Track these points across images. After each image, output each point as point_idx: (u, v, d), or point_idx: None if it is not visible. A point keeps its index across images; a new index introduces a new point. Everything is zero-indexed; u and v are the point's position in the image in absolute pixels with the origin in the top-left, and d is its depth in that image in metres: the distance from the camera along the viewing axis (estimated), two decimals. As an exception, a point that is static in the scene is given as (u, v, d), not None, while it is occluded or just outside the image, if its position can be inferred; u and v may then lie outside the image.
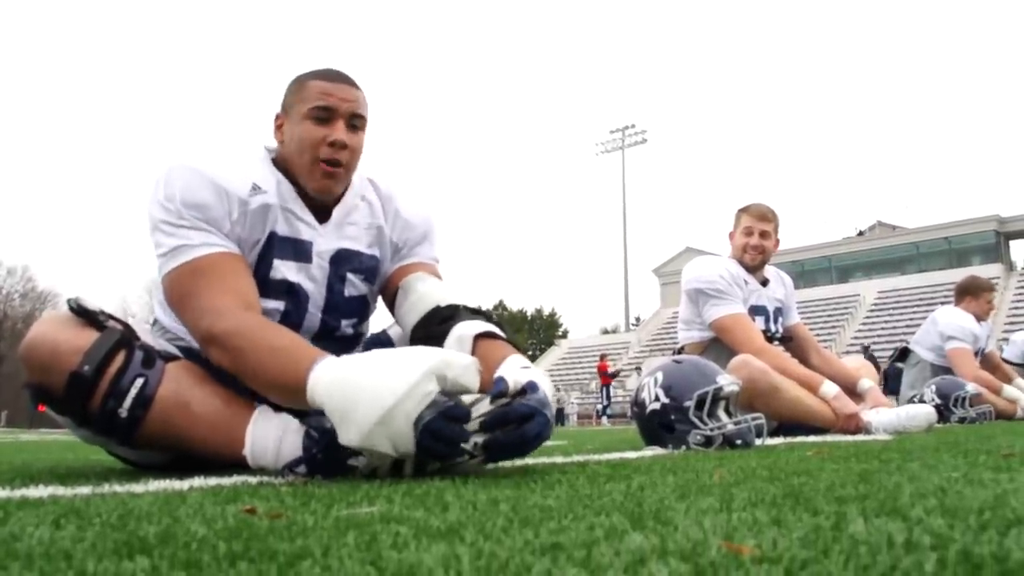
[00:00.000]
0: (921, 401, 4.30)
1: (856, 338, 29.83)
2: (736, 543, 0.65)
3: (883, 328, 30.94)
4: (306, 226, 1.77)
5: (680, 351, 3.50)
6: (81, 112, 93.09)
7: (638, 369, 25.56)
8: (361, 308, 1.91)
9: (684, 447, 2.29)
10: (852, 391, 3.35)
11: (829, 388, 3.15)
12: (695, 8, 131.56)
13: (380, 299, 1.98)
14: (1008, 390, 4.88)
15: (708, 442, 2.26)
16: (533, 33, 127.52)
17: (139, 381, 1.50)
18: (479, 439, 1.35)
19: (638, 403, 2.49)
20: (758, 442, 2.41)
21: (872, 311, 34.00)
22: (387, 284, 1.92)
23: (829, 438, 2.86)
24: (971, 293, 5.14)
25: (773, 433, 3.02)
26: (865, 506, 0.87)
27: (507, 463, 1.81)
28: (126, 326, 1.62)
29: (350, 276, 1.83)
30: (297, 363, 1.39)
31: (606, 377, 21.77)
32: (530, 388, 1.40)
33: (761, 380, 2.93)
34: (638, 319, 50.20)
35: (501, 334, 1.70)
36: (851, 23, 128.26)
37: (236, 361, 1.48)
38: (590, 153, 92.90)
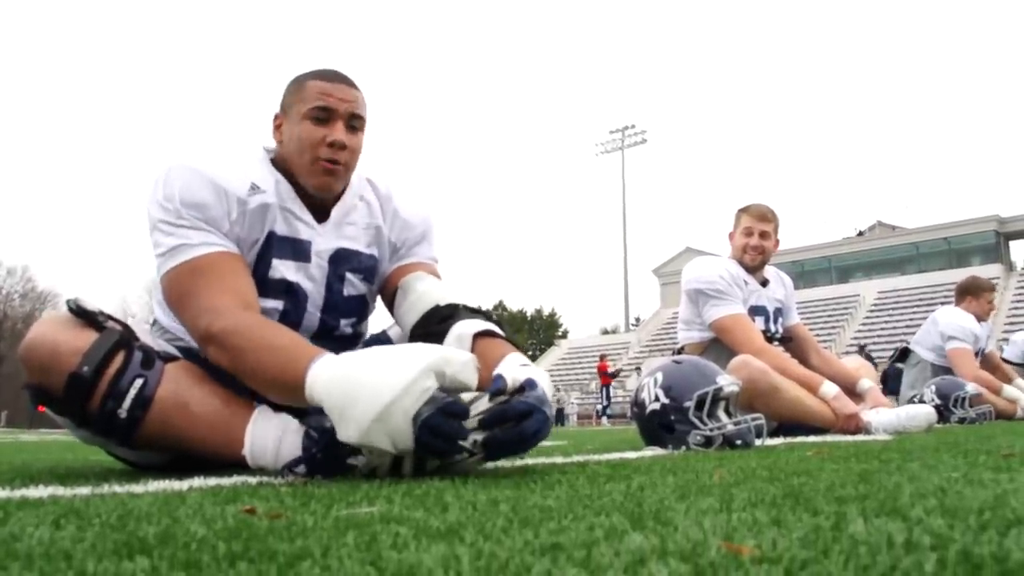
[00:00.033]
0: (921, 401, 4.30)
1: (856, 338, 29.82)
2: (736, 543, 0.65)
3: (883, 328, 30.94)
4: (305, 226, 1.77)
5: (680, 351, 3.50)
6: (81, 112, 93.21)
7: (638, 369, 25.57)
8: (360, 308, 1.91)
9: (684, 447, 2.29)
10: (852, 391, 3.35)
11: (829, 388, 3.15)
12: (695, 8, 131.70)
13: (379, 299, 1.98)
14: (1008, 390, 4.89)
15: (708, 442, 2.26)
16: (533, 33, 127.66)
17: (138, 382, 1.50)
18: (478, 437, 1.35)
19: (638, 403, 2.49)
20: (758, 442, 2.41)
21: (872, 311, 34.00)
22: (386, 284, 1.92)
23: (829, 438, 2.86)
24: (972, 293, 5.15)
25: (773, 433, 3.02)
26: (865, 506, 0.87)
27: (507, 463, 1.82)
28: (125, 327, 1.62)
29: (349, 276, 1.84)
30: (296, 361, 1.39)
31: (606, 377, 21.77)
32: (528, 385, 1.40)
33: (761, 380, 2.93)
34: (638, 319, 50.24)
35: (500, 333, 1.70)
36: (851, 23, 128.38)
37: (235, 360, 1.48)
38: (590, 153, 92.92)
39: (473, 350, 1.62)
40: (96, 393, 1.48)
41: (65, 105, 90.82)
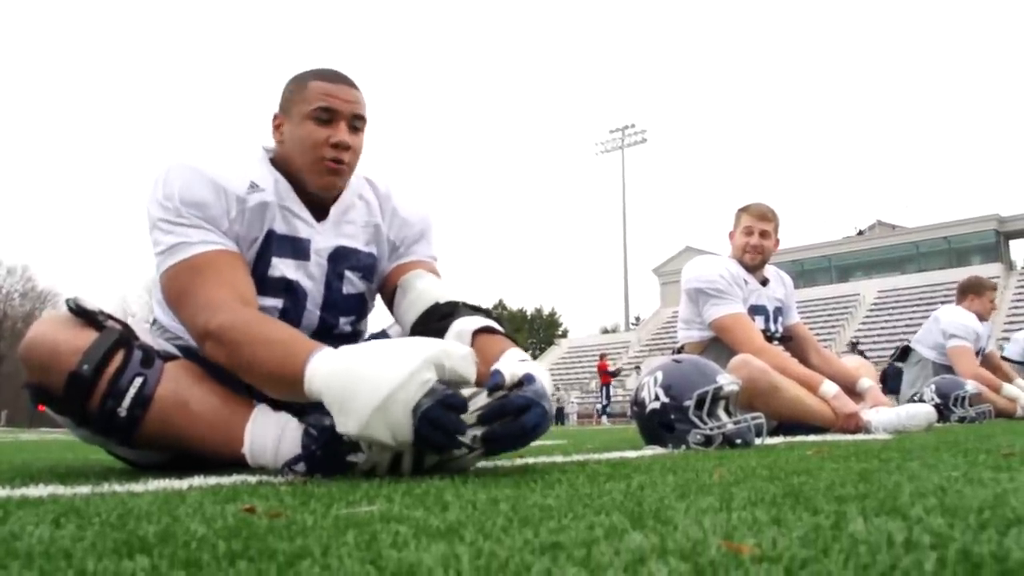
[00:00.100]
0: (921, 400, 4.30)
1: (856, 338, 29.83)
2: (736, 542, 0.65)
3: (883, 328, 30.95)
4: (304, 224, 1.77)
5: (680, 350, 3.50)
6: (81, 112, 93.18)
7: (638, 368, 25.57)
8: (359, 306, 1.91)
9: (684, 446, 2.29)
10: (852, 390, 3.35)
11: (829, 387, 3.15)
12: (695, 8, 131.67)
13: (379, 298, 1.98)
14: (1008, 388, 4.89)
15: (708, 441, 2.26)
16: (533, 33, 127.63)
17: (138, 380, 1.50)
18: (477, 432, 1.35)
19: (638, 402, 2.49)
20: (758, 441, 2.41)
21: (872, 311, 34.00)
22: (385, 282, 1.92)
23: (829, 437, 2.86)
24: (974, 292, 5.16)
25: (773, 432, 3.02)
26: (865, 505, 0.87)
27: (507, 462, 1.82)
28: (125, 326, 1.62)
29: (348, 274, 1.84)
30: (295, 355, 1.39)
31: (606, 376, 21.78)
32: (527, 380, 1.40)
33: (761, 379, 2.93)
34: (638, 319, 50.25)
35: (500, 329, 1.71)
36: (851, 23, 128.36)
37: (232, 355, 1.48)
38: (590, 153, 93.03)
39: (473, 346, 1.62)
40: (96, 392, 1.49)
41: (65, 105, 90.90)
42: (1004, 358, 5.84)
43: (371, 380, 1.27)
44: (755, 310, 3.50)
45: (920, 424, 3.10)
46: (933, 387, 4.32)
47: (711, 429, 2.27)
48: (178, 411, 1.52)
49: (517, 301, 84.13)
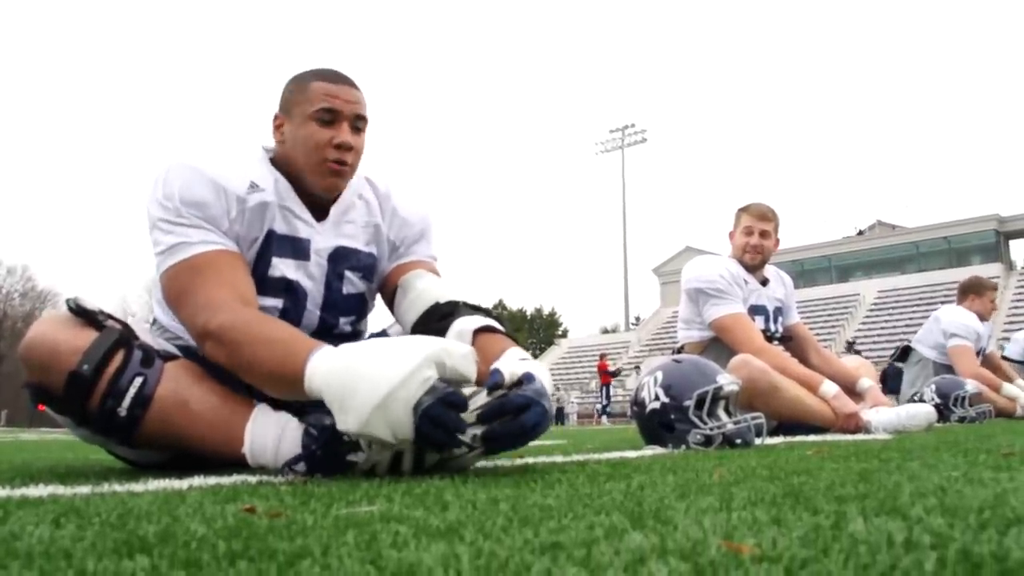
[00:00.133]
0: (921, 400, 4.30)
1: (854, 338, 29.83)
2: (736, 542, 0.65)
3: (883, 328, 30.94)
4: (304, 224, 1.77)
5: (680, 350, 3.50)
6: (81, 112, 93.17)
7: (638, 368, 25.56)
8: (359, 306, 1.91)
9: (684, 446, 2.29)
10: (852, 390, 3.35)
11: (829, 387, 3.15)
12: (695, 8, 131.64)
13: (379, 298, 1.98)
14: (1008, 388, 4.90)
15: (708, 441, 2.26)
16: (533, 33, 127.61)
17: (138, 380, 1.50)
18: (476, 431, 1.34)
19: (638, 402, 2.49)
20: (758, 441, 2.41)
21: (872, 311, 34.00)
22: (386, 282, 1.92)
23: (829, 437, 2.86)
24: (975, 292, 5.16)
25: (773, 432, 3.02)
26: (865, 505, 0.87)
27: (507, 462, 1.82)
28: (125, 326, 1.62)
29: (348, 274, 1.84)
30: (295, 354, 1.39)
31: (606, 376, 21.78)
32: (527, 379, 1.40)
33: (761, 379, 2.93)
34: (638, 318, 50.25)
35: (501, 328, 1.71)
36: (851, 23, 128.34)
37: (232, 355, 1.48)
38: (590, 153, 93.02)
39: (474, 346, 1.62)
40: (96, 392, 1.49)
41: (65, 105, 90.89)
42: (1004, 358, 5.85)
43: (371, 378, 1.27)
44: (755, 310, 3.50)
45: (920, 424, 3.10)
46: (933, 387, 4.32)
47: (711, 429, 2.27)
48: (178, 411, 1.52)
49: (517, 301, 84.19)
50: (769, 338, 3.46)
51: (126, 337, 1.55)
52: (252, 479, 1.40)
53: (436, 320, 1.74)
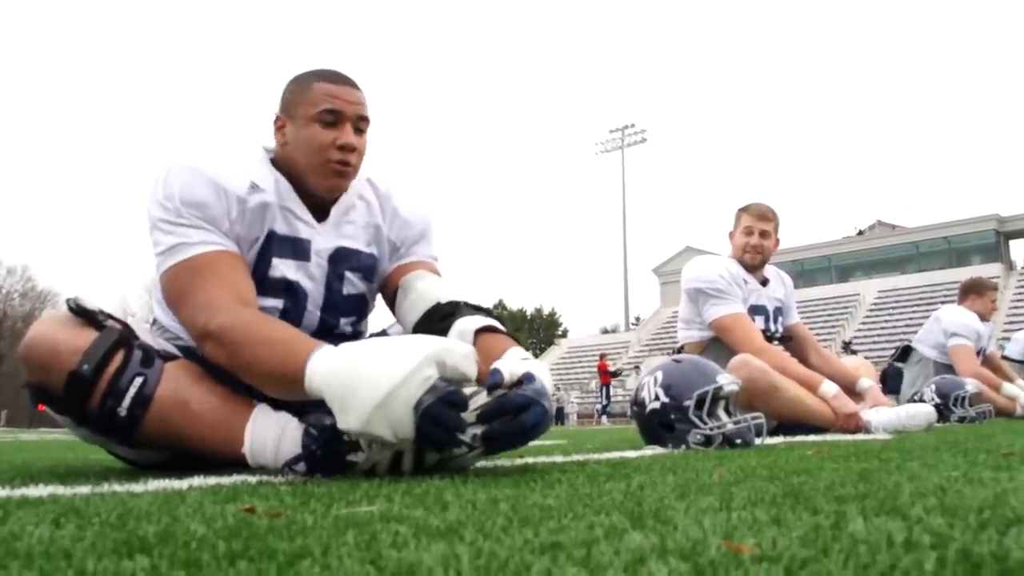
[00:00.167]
0: (921, 400, 4.30)
1: (856, 338, 29.83)
2: (736, 542, 0.65)
3: (883, 328, 30.94)
4: (304, 225, 1.77)
5: (680, 350, 3.50)
6: (81, 112, 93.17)
7: (637, 368, 25.57)
8: (360, 306, 1.91)
9: (684, 446, 2.29)
10: (852, 390, 3.35)
11: (828, 387, 3.15)
12: (694, 8, 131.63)
13: (380, 298, 1.98)
14: (1008, 387, 4.90)
15: (708, 441, 2.26)
16: (533, 33, 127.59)
17: (138, 380, 1.50)
18: (476, 431, 1.34)
19: (638, 402, 2.49)
20: (758, 441, 2.41)
21: (872, 311, 34.00)
22: (386, 283, 1.92)
23: (829, 437, 2.86)
24: (975, 292, 5.17)
25: (773, 432, 3.02)
26: (865, 505, 0.87)
27: (507, 462, 1.82)
28: (125, 325, 1.62)
29: (348, 274, 1.84)
30: (295, 354, 1.39)
31: (606, 376, 21.78)
32: (527, 379, 1.40)
33: (761, 379, 2.93)
34: (638, 318, 50.26)
35: (502, 328, 1.71)
36: (851, 23, 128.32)
37: (232, 355, 1.48)
38: (590, 153, 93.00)
39: (475, 346, 1.62)
40: (96, 392, 1.48)
41: (65, 105, 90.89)
42: (1005, 357, 5.85)
43: (372, 377, 1.27)
44: (755, 310, 3.50)
45: (920, 424, 3.10)
46: (933, 387, 4.32)
47: (711, 429, 2.27)
48: (178, 411, 1.52)
49: (517, 301, 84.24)
50: (769, 338, 3.46)
51: (126, 337, 1.55)
52: (252, 479, 1.40)
53: (437, 320, 1.74)
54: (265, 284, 1.72)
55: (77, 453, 3.15)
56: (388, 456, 1.38)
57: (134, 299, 44.15)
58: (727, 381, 2.33)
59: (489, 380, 1.39)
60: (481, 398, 1.38)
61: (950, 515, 0.77)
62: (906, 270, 37.70)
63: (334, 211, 1.81)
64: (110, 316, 1.61)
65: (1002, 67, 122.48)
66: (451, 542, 0.69)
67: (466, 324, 1.67)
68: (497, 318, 1.75)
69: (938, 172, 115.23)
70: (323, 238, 1.79)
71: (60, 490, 1.26)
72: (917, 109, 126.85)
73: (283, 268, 1.74)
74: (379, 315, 2.03)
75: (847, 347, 16.65)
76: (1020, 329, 7.18)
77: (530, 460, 1.92)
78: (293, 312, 1.77)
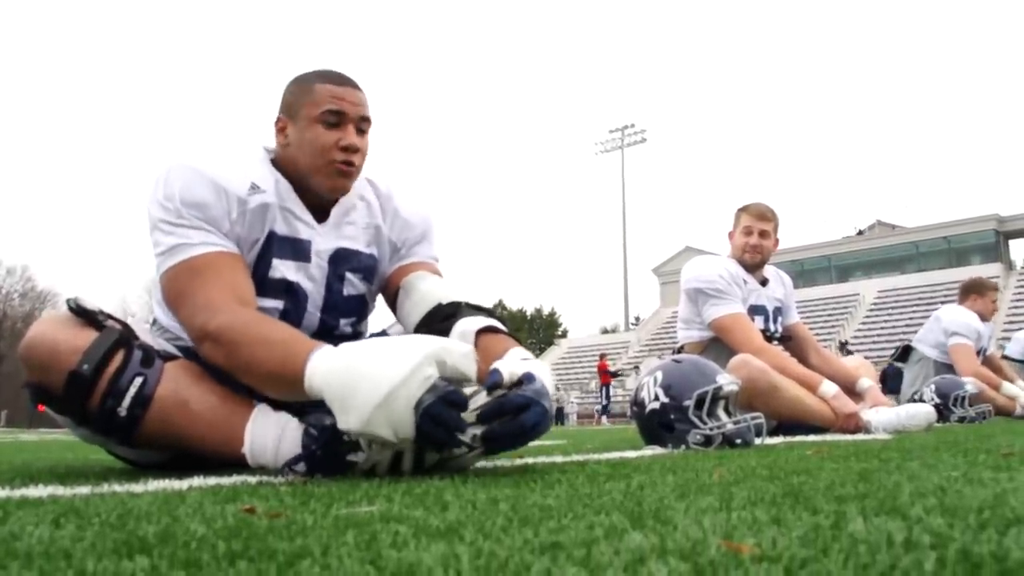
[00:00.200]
0: (920, 400, 4.30)
1: (856, 338, 29.83)
2: (736, 542, 0.65)
3: (883, 328, 30.94)
4: (305, 225, 1.77)
5: (679, 350, 3.50)
6: (81, 112, 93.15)
7: (637, 368, 25.57)
8: (360, 307, 1.91)
9: (684, 446, 2.29)
10: (851, 390, 3.35)
11: (828, 387, 3.15)
12: (694, 8, 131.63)
13: (381, 299, 1.98)
14: (1007, 387, 4.90)
15: (708, 441, 2.26)
16: (533, 33, 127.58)
17: (138, 380, 1.50)
18: (476, 431, 1.34)
19: (637, 402, 2.49)
20: (757, 441, 2.41)
21: (872, 310, 34.00)
22: (387, 284, 1.92)
23: (828, 437, 2.86)
24: (976, 292, 5.17)
25: (772, 432, 3.02)
26: (865, 505, 0.87)
27: (507, 462, 1.82)
28: (125, 326, 1.62)
29: (349, 275, 1.84)
30: (294, 354, 1.39)
31: (606, 376, 21.78)
32: (527, 379, 1.40)
33: (760, 379, 2.93)
34: (638, 319, 50.25)
35: (503, 328, 1.71)
36: (851, 23, 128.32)
37: (231, 356, 1.48)
38: (590, 153, 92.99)
39: (476, 346, 1.62)
40: (96, 392, 1.48)
41: (65, 105, 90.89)
42: (1005, 357, 5.85)
43: (372, 377, 1.27)
44: (755, 310, 3.50)
45: (920, 424, 3.10)
46: (933, 387, 4.32)
47: (711, 429, 2.27)
48: (178, 411, 1.52)
49: (517, 301, 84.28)
50: (769, 338, 3.46)
51: (126, 337, 1.55)
52: (252, 479, 1.40)
53: (439, 321, 1.74)
54: (265, 285, 1.72)
55: (77, 453, 3.14)
56: (388, 456, 1.38)
57: (134, 299, 44.18)
58: (727, 381, 2.33)
59: (488, 380, 1.39)
60: (481, 398, 1.38)
61: (950, 515, 0.77)
62: (906, 270, 37.70)
63: (334, 212, 1.81)
64: (110, 316, 1.61)
65: (1002, 67, 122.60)
66: (451, 542, 0.69)
67: (467, 324, 1.67)
68: (499, 318, 1.75)
69: (938, 172, 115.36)
70: (323, 239, 1.79)
71: (60, 490, 1.26)
72: (917, 109, 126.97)
73: (283, 269, 1.74)
74: (379, 315, 2.03)
75: (843, 347, 16.66)
76: (1020, 329, 7.18)
77: (530, 460, 1.92)
78: (293, 313, 1.76)
